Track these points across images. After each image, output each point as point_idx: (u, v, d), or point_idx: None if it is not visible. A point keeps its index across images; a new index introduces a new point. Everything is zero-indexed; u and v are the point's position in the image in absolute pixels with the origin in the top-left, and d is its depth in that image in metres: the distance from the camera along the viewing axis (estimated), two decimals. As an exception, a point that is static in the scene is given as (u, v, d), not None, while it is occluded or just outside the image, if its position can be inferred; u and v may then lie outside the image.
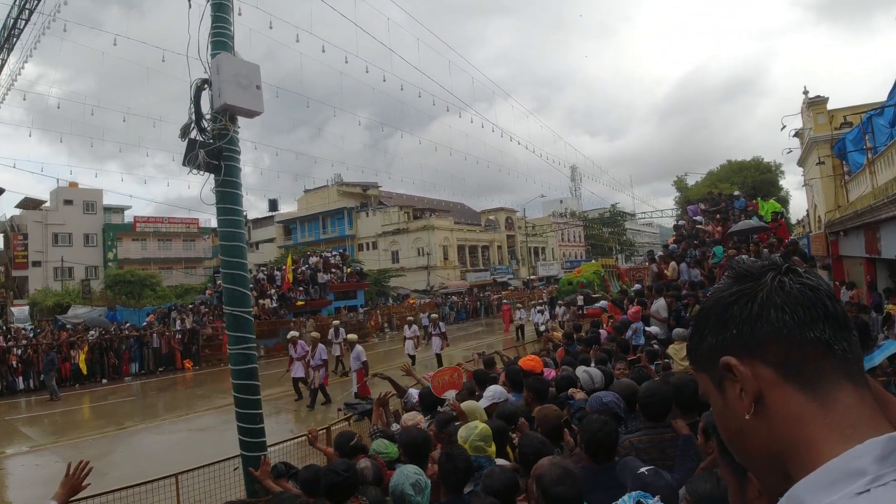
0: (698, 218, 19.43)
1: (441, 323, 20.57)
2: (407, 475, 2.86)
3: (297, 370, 14.91)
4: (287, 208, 62.70)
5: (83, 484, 3.07)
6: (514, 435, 4.19)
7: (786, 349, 0.75)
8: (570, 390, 5.12)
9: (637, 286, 15.31)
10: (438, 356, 18.48)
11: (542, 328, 21.63)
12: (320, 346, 14.82)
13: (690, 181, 58.40)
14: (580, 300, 21.74)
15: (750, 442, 0.78)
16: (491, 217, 64.74)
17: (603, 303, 16.19)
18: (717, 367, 0.79)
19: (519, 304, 26.89)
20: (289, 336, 16.27)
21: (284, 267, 33.25)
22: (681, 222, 21.33)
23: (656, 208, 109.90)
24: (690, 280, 13.56)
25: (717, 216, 18.02)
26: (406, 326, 20.31)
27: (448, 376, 6.06)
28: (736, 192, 22.67)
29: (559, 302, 23.11)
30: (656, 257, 16.33)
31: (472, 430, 3.56)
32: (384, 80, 18.15)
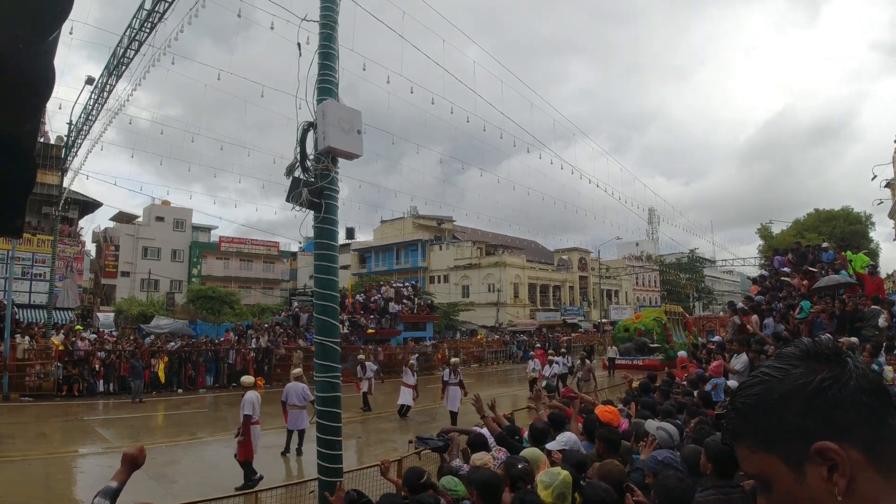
0: (785, 269, 18.58)
1: (459, 369, 15.54)
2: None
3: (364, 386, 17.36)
4: (363, 237, 64.22)
5: (141, 459, 3.05)
6: (584, 485, 4.13)
7: (872, 432, 0.80)
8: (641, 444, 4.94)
9: (717, 338, 14.72)
10: (454, 414, 14.55)
11: (544, 383, 17.72)
12: (301, 386, 12.25)
13: (776, 229, 56.17)
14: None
15: None
16: (564, 257, 63.88)
17: (683, 353, 15.58)
18: (799, 449, 0.82)
19: (532, 353, 21.94)
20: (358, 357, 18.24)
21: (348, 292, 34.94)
22: (765, 273, 20.47)
23: (736, 255, 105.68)
24: (775, 333, 12.95)
25: (807, 268, 17.13)
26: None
27: None
28: (824, 244, 21.62)
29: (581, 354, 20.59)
30: (737, 309, 15.66)
31: (556, 477, 3.43)
32: (468, 121, 18.45)
